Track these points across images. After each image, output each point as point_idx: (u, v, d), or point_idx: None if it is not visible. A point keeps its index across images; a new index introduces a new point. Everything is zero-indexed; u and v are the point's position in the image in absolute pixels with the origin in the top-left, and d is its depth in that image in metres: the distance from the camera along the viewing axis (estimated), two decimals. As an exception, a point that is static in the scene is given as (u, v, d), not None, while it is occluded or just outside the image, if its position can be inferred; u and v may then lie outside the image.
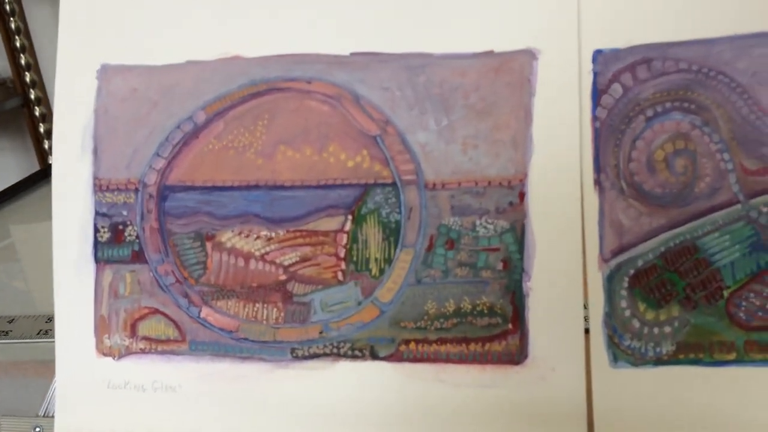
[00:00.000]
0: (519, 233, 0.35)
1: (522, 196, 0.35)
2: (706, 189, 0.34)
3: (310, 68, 0.38)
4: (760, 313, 0.33)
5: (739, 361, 0.33)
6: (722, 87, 0.34)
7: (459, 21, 0.37)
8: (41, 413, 0.41)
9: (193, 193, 0.39)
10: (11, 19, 1.10)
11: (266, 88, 0.38)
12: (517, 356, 0.35)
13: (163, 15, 0.39)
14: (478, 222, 0.36)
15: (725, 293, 0.33)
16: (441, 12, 0.37)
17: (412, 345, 0.36)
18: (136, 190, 0.39)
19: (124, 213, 0.39)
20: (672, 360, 0.33)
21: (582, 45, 0.36)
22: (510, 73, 0.36)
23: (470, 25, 0.37)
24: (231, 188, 0.38)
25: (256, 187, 0.38)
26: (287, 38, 0.38)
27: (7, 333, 0.50)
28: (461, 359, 0.36)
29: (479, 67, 0.36)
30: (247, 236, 0.38)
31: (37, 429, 0.40)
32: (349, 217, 0.37)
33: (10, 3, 1.10)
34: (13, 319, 0.51)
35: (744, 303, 0.33)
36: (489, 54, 0.36)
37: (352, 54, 0.38)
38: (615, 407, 0.34)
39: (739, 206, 0.33)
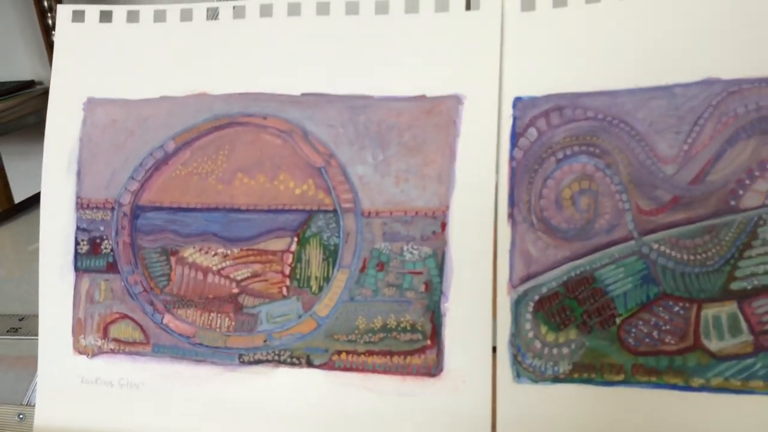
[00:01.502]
0: (440, 259, 0.41)
1: (444, 225, 0.41)
2: (605, 225, 0.39)
3: (266, 105, 0.44)
4: (647, 340, 0.37)
5: (626, 382, 0.37)
6: (623, 134, 0.39)
7: (396, 67, 0.43)
8: (25, 402, 0.47)
9: (161, 213, 0.45)
10: (48, 15, 1.17)
11: (227, 122, 0.45)
12: (433, 369, 0.40)
13: (141, 56, 0.45)
14: (405, 247, 0.41)
15: (617, 320, 0.38)
16: (381, 59, 0.43)
17: (343, 355, 0.42)
18: (113, 209, 0.45)
19: (101, 228, 0.45)
20: (568, 378, 0.38)
21: (504, 92, 0.41)
22: (439, 115, 0.42)
23: (406, 71, 0.42)
24: (194, 210, 0.44)
25: (216, 209, 0.44)
26: (247, 78, 0.44)
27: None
28: (385, 370, 0.41)
29: (412, 109, 0.42)
30: (206, 253, 0.44)
31: (21, 416, 0.47)
32: (295, 239, 0.43)
33: (48, 0, 1.16)
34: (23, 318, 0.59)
35: (634, 330, 0.38)
36: (421, 98, 0.42)
37: (303, 94, 0.44)
38: (516, 419, 0.39)
39: (633, 242, 0.38)
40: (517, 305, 0.39)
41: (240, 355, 0.43)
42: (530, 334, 0.39)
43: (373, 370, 0.41)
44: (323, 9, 0.44)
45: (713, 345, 0.36)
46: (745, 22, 0.38)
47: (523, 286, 0.39)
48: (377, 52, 0.43)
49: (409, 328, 0.41)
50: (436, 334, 0.40)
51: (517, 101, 0.41)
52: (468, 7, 0.42)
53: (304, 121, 0.43)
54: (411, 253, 0.41)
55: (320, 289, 0.42)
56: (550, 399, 0.38)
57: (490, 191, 0.40)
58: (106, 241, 0.45)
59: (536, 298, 0.39)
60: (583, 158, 0.40)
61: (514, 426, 0.38)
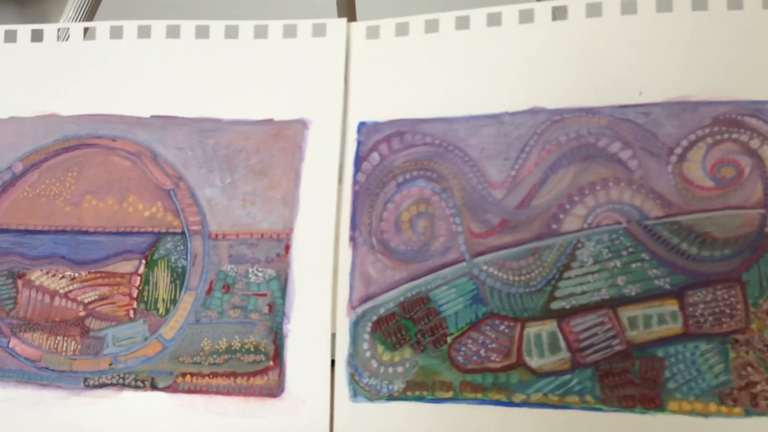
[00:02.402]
0: (283, 281, 0.42)
1: (287, 248, 0.42)
2: (440, 248, 0.41)
3: (115, 128, 0.45)
4: (474, 357, 0.40)
5: (455, 399, 0.39)
6: (457, 160, 0.41)
7: (245, 92, 0.44)
8: None
9: (8, 236, 0.45)
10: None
11: (76, 144, 0.45)
12: (275, 390, 0.42)
13: (-11, 76, 0.45)
14: (250, 270, 0.43)
15: (449, 339, 0.40)
16: (230, 83, 0.44)
17: (188, 378, 0.43)
18: (-43, 231, 0.45)
19: (-56, 251, 0.45)
20: (401, 396, 0.40)
21: (349, 117, 0.43)
22: (285, 139, 0.43)
23: (254, 95, 0.44)
24: (41, 232, 0.45)
25: (64, 231, 0.45)
26: (97, 100, 0.45)
27: None
28: (229, 391, 0.42)
29: (260, 133, 0.44)
30: (54, 275, 0.44)
31: None
32: (143, 261, 0.44)
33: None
34: None
35: (463, 348, 0.40)
36: (269, 122, 0.44)
37: (152, 116, 0.45)
38: (353, 437, 0.40)
39: (464, 264, 0.40)
40: (355, 326, 0.41)
41: (85, 379, 0.44)
42: (367, 354, 0.41)
43: (217, 391, 0.42)
44: (173, 32, 0.45)
45: (534, 362, 0.39)
46: (567, 55, 0.40)
47: (362, 307, 0.41)
48: (226, 75, 0.44)
49: (252, 349, 0.42)
50: (278, 356, 0.42)
51: (362, 126, 0.43)
52: (315, 33, 0.44)
53: (153, 144, 0.44)
54: (256, 275, 0.42)
55: (167, 311, 0.43)
56: (385, 416, 0.40)
57: (334, 214, 0.42)
58: (-51, 264, 0.45)
59: (374, 318, 0.41)
60: (421, 182, 0.42)
61: (350, 445, 0.40)
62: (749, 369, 0.36)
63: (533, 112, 0.41)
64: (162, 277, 0.44)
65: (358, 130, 0.43)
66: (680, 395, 0.37)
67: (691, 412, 0.37)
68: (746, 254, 0.37)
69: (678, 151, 0.39)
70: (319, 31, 0.44)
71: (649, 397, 0.37)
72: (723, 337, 0.37)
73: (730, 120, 0.38)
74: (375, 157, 0.43)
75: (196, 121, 0.44)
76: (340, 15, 0.65)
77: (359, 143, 0.43)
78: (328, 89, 0.43)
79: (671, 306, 0.37)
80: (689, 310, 0.37)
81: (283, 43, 0.44)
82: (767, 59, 0.38)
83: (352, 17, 0.67)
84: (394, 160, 0.42)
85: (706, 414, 0.36)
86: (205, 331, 0.43)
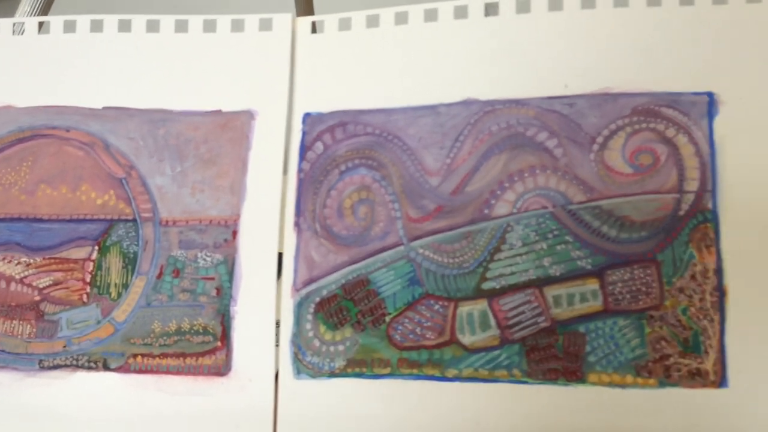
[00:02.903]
0: (230, 265, 0.45)
1: (235, 234, 0.45)
2: (379, 232, 0.44)
3: (69, 118, 0.47)
4: (411, 336, 0.42)
5: (392, 375, 0.42)
6: (396, 149, 0.44)
7: (195, 83, 0.46)
8: None
9: (-36, 223, 0.47)
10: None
11: (31, 134, 0.47)
12: (223, 369, 0.44)
13: (-56, 68, 0.47)
14: (199, 255, 0.45)
15: (387, 319, 0.43)
16: (180, 75, 0.46)
17: (139, 358, 0.45)
18: None
19: None
20: (342, 373, 0.43)
21: (294, 108, 0.46)
22: (233, 129, 0.46)
23: (203, 87, 0.46)
24: (-3, 219, 0.47)
25: (19, 219, 0.47)
26: (51, 92, 0.47)
27: None
28: (178, 371, 0.44)
29: (209, 123, 0.46)
30: (10, 262, 0.46)
31: None
32: (96, 247, 0.46)
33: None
34: None
35: (400, 327, 0.42)
36: (217, 113, 0.46)
37: (105, 108, 0.47)
38: (296, 412, 0.43)
39: (402, 247, 0.43)
40: (299, 307, 0.44)
41: (40, 361, 0.46)
42: (310, 334, 0.43)
43: (167, 371, 0.44)
44: (125, 26, 0.47)
45: (466, 339, 0.41)
46: (498, 49, 0.43)
47: (305, 289, 0.44)
48: (176, 68, 0.47)
49: (201, 330, 0.44)
50: (225, 336, 0.44)
51: (306, 117, 0.46)
52: (262, 28, 0.47)
53: (105, 134, 0.47)
54: (204, 260, 0.45)
55: (119, 295, 0.45)
56: (327, 392, 0.43)
57: (278, 201, 0.45)
58: None
59: (317, 300, 0.43)
60: (363, 170, 0.44)
61: (293, 419, 0.42)
62: (663, 343, 0.39)
63: (467, 103, 0.43)
64: (114, 263, 0.46)
65: (303, 121, 0.46)
66: (600, 368, 0.40)
67: (610, 384, 0.39)
68: (661, 236, 0.40)
69: (600, 140, 0.41)
70: (265, 25, 0.47)
71: (571, 370, 0.40)
72: (639, 313, 0.40)
73: (648, 110, 0.41)
74: (319, 146, 0.45)
75: (147, 112, 0.46)
76: (297, 8, 0.67)
77: (304, 133, 0.45)
78: (274, 81, 0.46)
79: (592, 285, 0.40)
80: (609, 289, 0.40)
81: (231, 37, 0.47)
82: (683, 53, 0.41)
83: (309, 11, 0.69)
84: (337, 149, 0.45)
85: (623, 385, 0.39)
86: (156, 314, 0.45)
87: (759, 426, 0.38)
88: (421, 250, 0.43)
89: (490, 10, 0.44)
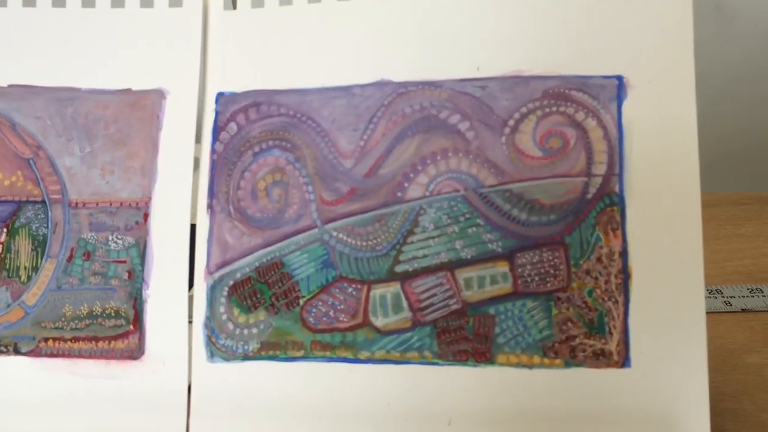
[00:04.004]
0: (142, 248, 0.44)
1: (146, 216, 0.44)
2: (293, 215, 0.44)
3: (-28, 96, 0.46)
4: (324, 318, 0.43)
5: (306, 357, 0.43)
6: (310, 130, 0.44)
7: (103, 61, 0.45)
8: None
9: None
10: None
11: (-68, 113, 0.46)
12: (136, 352, 0.44)
13: None
14: (110, 237, 0.45)
15: (301, 301, 0.43)
16: (88, 52, 0.45)
17: (50, 342, 0.45)
18: None
19: None
20: (256, 356, 0.43)
21: (207, 87, 0.45)
22: (143, 109, 0.45)
23: (112, 65, 0.45)
24: None
25: None
26: (-48, 68, 0.46)
27: None
28: (91, 355, 0.44)
29: (118, 102, 0.45)
30: None
31: None
32: (4, 229, 0.45)
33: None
34: None
35: (314, 310, 0.43)
36: (127, 91, 0.45)
37: (10, 86, 0.46)
38: (210, 396, 0.43)
39: (316, 230, 0.43)
40: (212, 290, 0.44)
41: (-52, 346, 0.45)
42: (224, 317, 0.43)
43: (79, 355, 0.44)
44: (30, 1, 0.46)
45: (379, 321, 0.42)
46: (411, 30, 0.43)
47: (219, 272, 0.44)
48: (85, 45, 0.46)
49: (113, 314, 0.44)
50: (138, 320, 0.44)
51: (220, 96, 0.45)
52: (172, 4, 0.46)
53: (11, 113, 0.46)
54: (115, 242, 0.45)
55: (29, 278, 0.45)
56: (241, 375, 0.43)
57: (192, 183, 0.44)
58: None
59: (231, 283, 0.44)
60: (277, 152, 0.44)
61: (207, 402, 0.43)
62: (569, 324, 0.41)
63: (381, 84, 0.43)
64: (23, 245, 0.45)
65: (216, 101, 0.45)
66: (508, 349, 0.41)
67: (518, 365, 0.41)
68: (569, 219, 0.41)
69: (511, 123, 0.42)
70: (175, 1, 0.46)
71: (480, 351, 0.41)
72: (547, 295, 0.41)
73: (558, 93, 0.42)
74: (233, 127, 0.45)
75: (54, 90, 0.46)
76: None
77: (217, 113, 0.45)
78: (185, 59, 0.45)
79: (502, 267, 0.41)
80: (518, 271, 0.41)
81: (140, 12, 0.46)
82: (594, 36, 0.42)
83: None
84: (251, 130, 0.45)
85: (530, 366, 0.41)
86: (67, 298, 0.45)
87: (661, 405, 0.40)
88: (334, 233, 0.43)
89: (404, -12, 0.43)
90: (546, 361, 0.41)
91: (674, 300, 0.39)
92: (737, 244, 0.67)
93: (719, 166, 0.81)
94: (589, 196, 0.41)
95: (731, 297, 0.58)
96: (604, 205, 0.41)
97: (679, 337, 0.39)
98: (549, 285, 0.41)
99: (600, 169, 0.41)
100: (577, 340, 0.41)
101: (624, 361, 0.40)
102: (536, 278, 0.41)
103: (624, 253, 0.40)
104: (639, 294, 0.40)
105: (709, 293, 0.58)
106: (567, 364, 0.41)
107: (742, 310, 0.57)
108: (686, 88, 0.40)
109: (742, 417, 0.48)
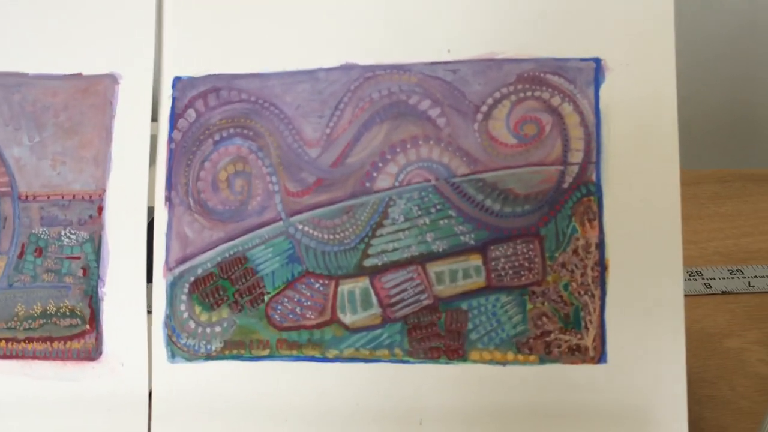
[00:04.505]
0: (97, 243, 0.42)
1: (101, 209, 0.42)
2: (257, 207, 0.42)
3: None
4: (290, 315, 0.41)
5: (271, 357, 0.41)
6: (273, 117, 0.42)
7: (52, 45, 0.43)
8: None
9: None
10: None
11: None
12: (93, 353, 0.42)
13: None
14: (63, 232, 0.42)
15: (266, 298, 0.41)
16: (36, 35, 0.43)
17: (3, 343, 0.43)
18: None
19: None
20: (219, 356, 0.41)
21: (163, 72, 0.43)
22: (95, 95, 0.43)
23: (62, 49, 0.43)
24: None
25: None
26: None
27: None
28: (46, 356, 0.43)
29: (68, 88, 0.43)
30: None
31: None
32: (-50, 225, 0.43)
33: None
34: None
35: (279, 306, 0.41)
36: (77, 76, 0.43)
37: (-49, 71, 0.43)
38: (171, 397, 0.42)
39: (281, 223, 0.42)
40: (172, 287, 0.42)
41: None
42: (185, 315, 0.42)
43: (34, 356, 0.43)
44: (-30, -20, 0.43)
45: (347, 318, 0.41)
46: (378, 10, 0.41)
47: (179, 268, 0.42)
48: (31, 27, 0.43)
49: (68, 313, 0.42)
50: (94, 319, 0.42)
51: (176, 81, 0.43)
52: (124, -18, 0.43)
53: (-47, 100, 0.43)
54: (69, 237, 0.42)
55: (-22, 276, 0.43)
56: (204, 376, 0.41)
57: (148, 174, 0.42)
58: None
59: (192, 279, 0.42)
60: (238, 140, 0.42)
61: (169, 404, 0.41)
62: (544, 319, 0.39)
63: (346, 68, 0.41)
64: (-29, 242, 0.43)
65: (173, 86, 0.43)
66: (481, 345, 0.40)
67: (491, 361, 0.39)
68: (545, 210, 0.39)
69: (484, 108, 0.40)
70: (127, -20, 0.43)
71: (452, 348, 0.40)
72: (521, 289, 0.39)
73: (533, 77, 0.40)
74: (191, 113, 0.43)
75: (1, 76, 0.43)
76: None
77: (174, 99, 0.43)
78: (138, 42, 0.43)
79: (475, 261, 0.40)
80: (491, 265, 0.40)
81: (90, -8, 0.43)
82: (570, 16, 0.40)
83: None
84: (211, 117, 0.43)
85: (504, 362, 0.39)
86: (19, 296, 0.43)
87: (638, 399, 0.39)
88: (300, 226, 0.41)
89: (371, -34, 0.41)
90: (520, 357, 0.39)
91: (652, 293, 0.38)
92: (719, 223, 0.66)
93: (701, 143, 0.80)
94: (565, 185, 0.39)
95: (711, 279, 0.57)
96: (580, 194, 0.39)
97: (656, 332, 0.38)
98: (523, 279, 0.39)
99: (576, 156, 0.39)
100: (553, 336, 0.39)
101: (600, 357, 0.39)
102: (510, 272, 0.40)
103: (601, 245, 0.39)
104: (616, 287, 0.39)
105: (689, 275, 0.57)
106: (542, 361, 0.39)
107: (723, 292, 0.56)
108: (666, 71, 0.39)
109: (721, 404, 0.47)
